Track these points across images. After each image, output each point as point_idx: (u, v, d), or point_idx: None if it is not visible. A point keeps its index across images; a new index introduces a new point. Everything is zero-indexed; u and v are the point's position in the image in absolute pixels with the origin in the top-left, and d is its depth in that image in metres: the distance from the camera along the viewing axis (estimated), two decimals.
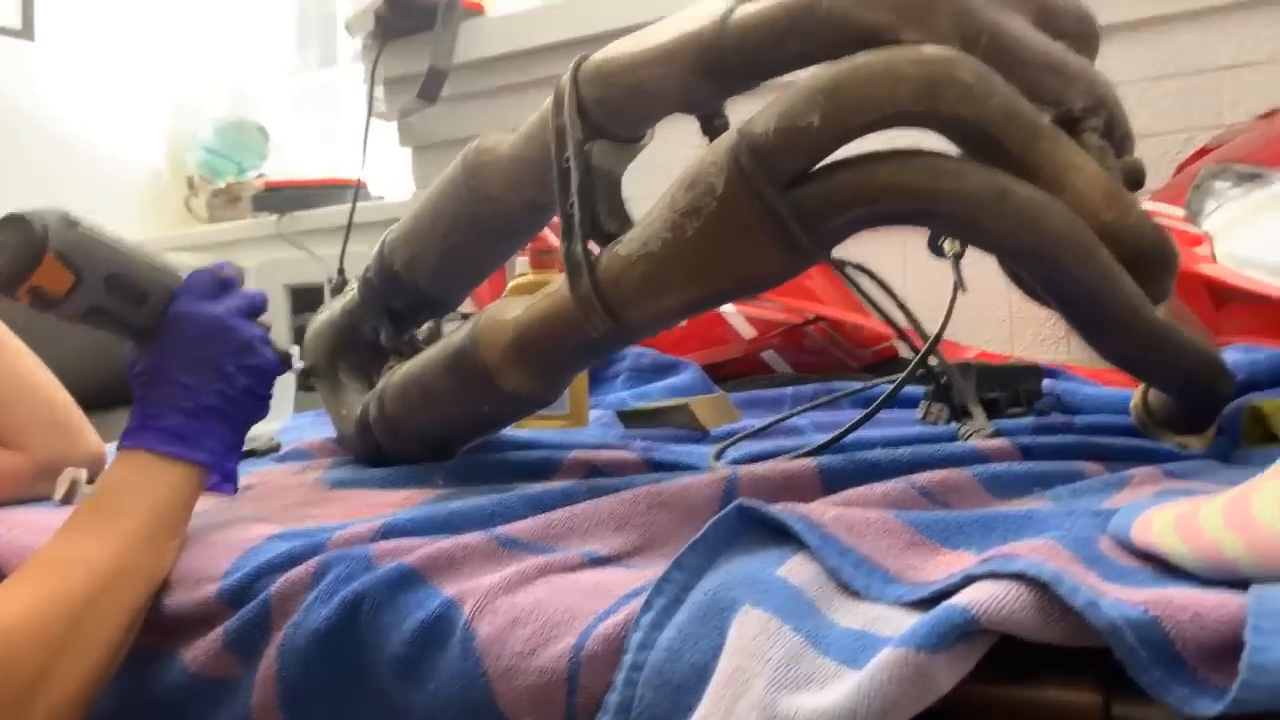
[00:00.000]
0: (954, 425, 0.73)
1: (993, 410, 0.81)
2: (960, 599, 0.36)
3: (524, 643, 0.42)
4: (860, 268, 0.79)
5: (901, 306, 0.77)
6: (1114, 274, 0.53)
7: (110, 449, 0.64)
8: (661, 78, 0.56)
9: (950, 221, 0.49)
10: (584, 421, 0.97)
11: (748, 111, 0.52)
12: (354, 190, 1.70)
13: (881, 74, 0.47)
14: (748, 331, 1.33)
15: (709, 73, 0.54)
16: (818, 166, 0.51)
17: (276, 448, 0.90)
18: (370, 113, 1.72)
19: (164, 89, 2.40)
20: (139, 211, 2.37)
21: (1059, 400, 0.88)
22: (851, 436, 0.68)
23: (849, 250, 0.57)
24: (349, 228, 1.63)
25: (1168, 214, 0.96)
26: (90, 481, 0.74)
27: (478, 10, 1.73)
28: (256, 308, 0.64)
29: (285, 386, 1.06)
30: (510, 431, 0.80)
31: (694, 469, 0.68)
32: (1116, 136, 0.65)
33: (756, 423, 0.87)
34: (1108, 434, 0.68)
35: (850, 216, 0.50)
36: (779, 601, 0.39)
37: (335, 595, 0.49)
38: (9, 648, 0.48)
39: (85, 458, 0.76)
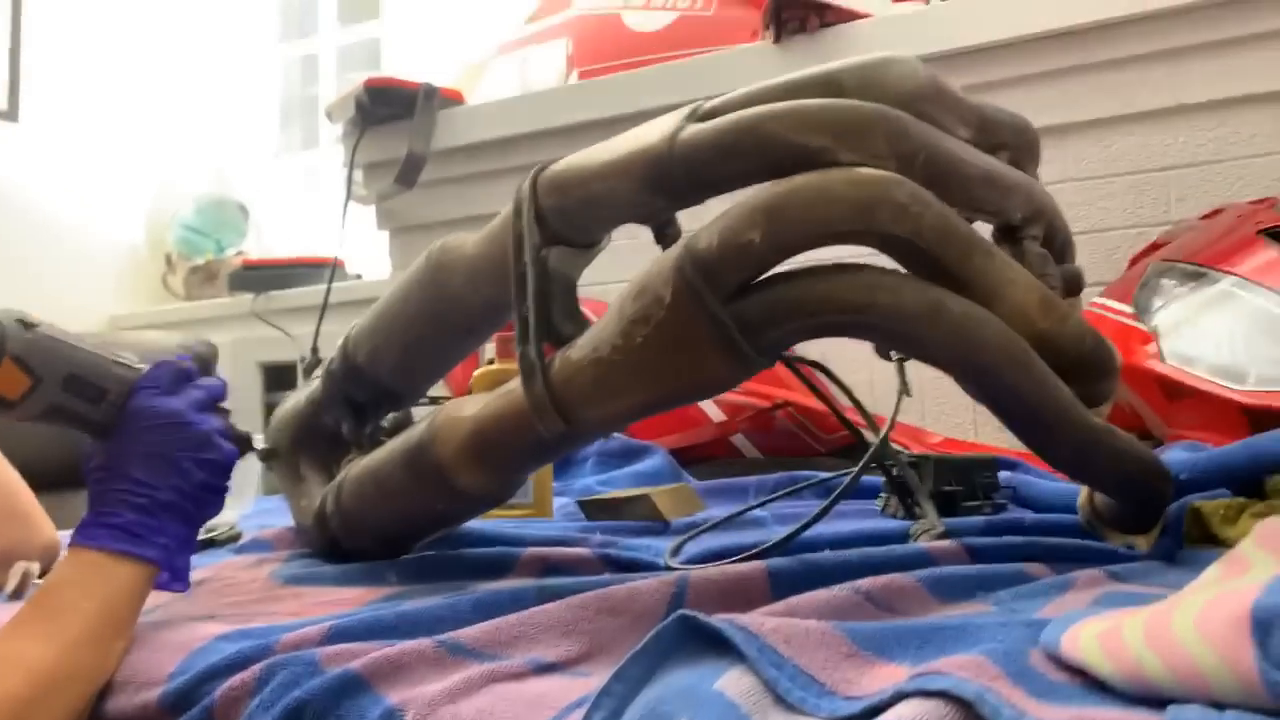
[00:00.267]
0: (908, 523, 0.74)
1: (949, 503, 0.82)
2: (886, 718, 0.36)
3: None
4: (816, 364, 0.80)
5: (855, 401, 0.79)
6: (1049, 382, 0.54)
7: (65, 536, 0.64)
8: (614, 190, 0.58)
9: (887, 335, 0.51)
10: (548, 512, 0.97)
11: (708, 218, 0.54)
12: (330, 270, 1.72)
13: (818, 195, 0.49)
14: (717, 415, 1.34)
15: (658, 187, 0.56)
16: (761, 278, 0.53)
17: (237, 537, 0.89)
18: (349, 196, 1.75)
19: (147, 168, 2.43)
20: (116, 287, 2.38)
21: (1015, 493, 0.89)
22: (808, 532, 0.69)
23: None
24: (324, 306, 1.65)
25: (1117, 309, 0.99)
26: (43, 575, 0.73)
27: (456, 99, 1.78)
28: (216, 398, 0.64)
29: (249, 471, 1.06)
30: (473, 523, 0.80)
31: (650, 566, 0.69)
32: (1057, 244, 0.68)
33: (719, 514, 0.88)
34: (1056, 533, 0.69)
35: (791, 328, 0.52)
36: (713, 716, 0.40)
37: (278, 703, 0.48)
38: None
39: (40, 548, 0.76)
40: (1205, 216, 1.10)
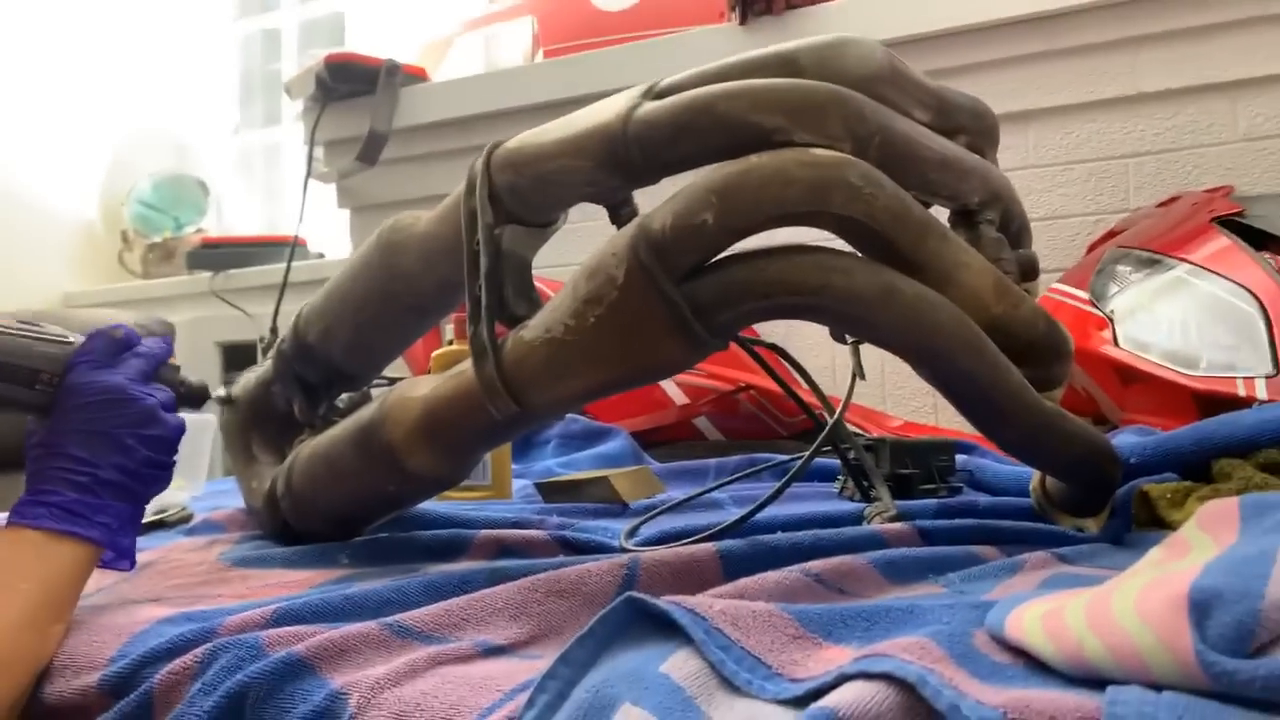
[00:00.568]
0: (863, 505, 0.75)
1: (905, 486, 0.82)
2: (829, 700, 0.36)
3: None
4: (774, 347, 0.80)
5: (812, 384, 0.79)
6: (1000, 366, 0.55)
7: (2, 518, 0.62)
8: (568, 168, 0.57)
9: (839, 318, 0.51)
10: (506, 493, 0.97)
11: (662, 198, 0.54)
12: (290, 248, 1.69)
13: (771, 176, 0.49)
14: (680, 398, 1.34)
15: (613, 166, 0.55)
16: (715, 260, 0.52)
17: (188, 518, 0.88)
18: (309, 173, 1.72)
19: (103, 143, 2.38)
20: (70, 265, 2.33)
21: (971, 476, 0.90)
22: (763, 514, 0.69)
23: None
24: (284, 285, 1.63)
25: (1074, 295, 1.00)
26: None
27: (420, 76, 1.75)
28: (158, 361, 0.62)
29: (201, 452, 1.04)
30: (429, 504, 0.79)
31: (606, 548, 0.68)
32: (1013, 229, 0.68)
33: (677, 496, 0.88)
34: (1010, 516, 0.70)
35: (744, 310, 0.51)
36: (659, 700, 0.39)
37: (219, 686, 0.47)
38: None
39: None
40: (1162, 204, 1.11)
